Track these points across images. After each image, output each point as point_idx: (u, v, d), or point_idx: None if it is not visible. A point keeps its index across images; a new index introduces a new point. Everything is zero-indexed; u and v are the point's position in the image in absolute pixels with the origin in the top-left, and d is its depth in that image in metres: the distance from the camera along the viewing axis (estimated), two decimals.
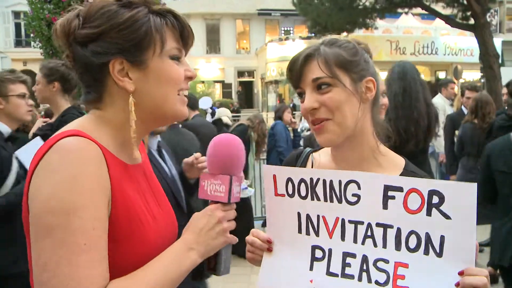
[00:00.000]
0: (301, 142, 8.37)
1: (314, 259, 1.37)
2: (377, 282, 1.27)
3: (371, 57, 1.52)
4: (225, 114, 7.68)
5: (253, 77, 35.50)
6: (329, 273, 1.34)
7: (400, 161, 1.52)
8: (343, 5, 17.69)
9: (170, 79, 1.24)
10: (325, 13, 18.14)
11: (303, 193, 1.40)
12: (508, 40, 31.28)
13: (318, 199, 1.37)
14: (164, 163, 2.79)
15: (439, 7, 16.97)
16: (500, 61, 15.24)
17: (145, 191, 1.31)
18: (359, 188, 1.32)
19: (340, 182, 1.34)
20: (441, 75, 29.53)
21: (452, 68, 22.50)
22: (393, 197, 1.27)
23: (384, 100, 2.87)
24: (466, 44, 28.62)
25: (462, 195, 1.18)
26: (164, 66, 1.24)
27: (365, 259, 1.29)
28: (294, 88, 1.48)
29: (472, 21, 15.47)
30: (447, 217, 1.20)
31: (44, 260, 1.05)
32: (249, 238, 1.51)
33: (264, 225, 7.12)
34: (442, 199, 1.20)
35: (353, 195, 1.32)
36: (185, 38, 1.29)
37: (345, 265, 1.32)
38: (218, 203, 1.31)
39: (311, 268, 1.37)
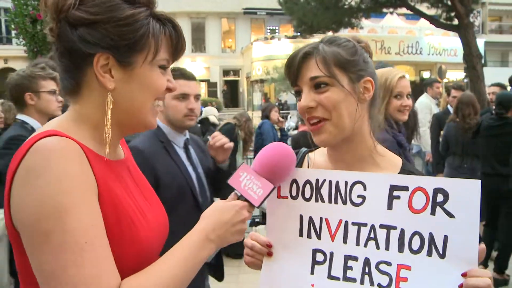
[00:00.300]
0: (289, 141, 8.37)
1: (315, 262, 1.35)
2: (379, 285, 1.25)
3: (371, 56, 1.50)
4: (212, 113, 7.61)
5: (239, 76, 35.46)
6: (330, 277, 1.31)
7: (397, 161, 1.50)
8: (329, 5, 17.74)
9: (152, 88, 1.20)
10: (311, 12, 18.18)
11: (307, 195, 1.38)
12: (490, 41, 31.75)
13: (323, 201, 1.35)
14: (188, 162, 2.70)
15: (423, 8, 17.10)
16: (482, 61, 15.41)
17: (131, 187, 1.27)
18: (365, 189, 1.30)
19: (346, 183, 1.33)
20: (426, 74, 29.84)
21: (436, 68, 22.73)
22: (398, 197, 1.25)
23: (409, 102, 2.92)
24: (450, 44, 28.96)
25: (466, 193, 1.17)
26: (151, 75, 1.19)
27: (367, 261, 1.27)
28: (291, 85, 1.45)
29: (456, 22, 15.62)
30: (451, 216, 1.19)
31: (49, 268, 1.01)
32: (248, 241, 1.47)
33: (251, 224, 7.10)
34: (446, 197, 1.19)
35: (359, 196, 1.31)
36: (178, 51, 1.25)
37: (346, 268, 1.30)
38: (246, 202, 1.27)
39: (312, 272, 1.34)
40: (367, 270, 1.27)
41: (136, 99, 1.19)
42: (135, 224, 1.17)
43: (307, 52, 1.39)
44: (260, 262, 1.45)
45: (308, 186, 1.38)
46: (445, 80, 15.18)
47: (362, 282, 1.27)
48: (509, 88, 7.55)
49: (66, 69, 1.19)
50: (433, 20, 16.77)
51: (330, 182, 1.35)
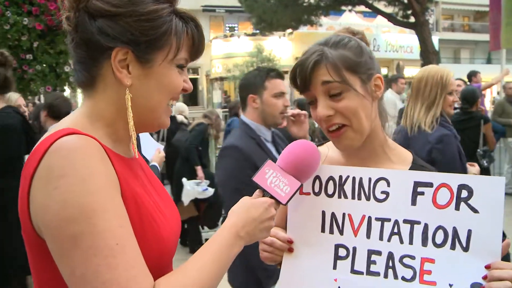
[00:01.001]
0: None
1: (337, 257, 1.34)
2: (403, 278, 1.26)
3: (368, 44, 1.49)
4: (180, 112, 7.48)
5: (198, 74, 35.17)
6: (353, 271, 1.32)
7: (408, 156, 1.51)
8: (288, 2, 17.90)
9: (170, 87, 1.16)
10: (271, 9, 18.30)
11: (330, 191, 1.37)
12: (444, 38, 32.85)
13: (346, 197, 1.35)
14: (278, 155, 2.76)
15: (381, 5, 17.49)
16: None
17: (147, 185, 1.24)
18: (388, 185, 1.31)
19: (370, 179, 1.33)
20: (383, 71, 30.51)
21: (393, 64, 23.29)
22: (422, 193, 1.27)
23: (456, 98, 3.18)
24: (406, 41, 29.73)
25: (490, 189, 1.20)
26: (170, 74, 1.15)
27: (391, 256, 1.28)
28: (301, 93, 1.43)
29: (412, 19, 16.06)
30: (475, 211, 1.21)
31: (80, 272, 0.95)
32: (267, 238, 1.44)
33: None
34: (471, 193, 1.22)
35: (382, 192, 1.32)
36: (198, 52, 1.21)
37: (370, 262, 1.30)
38: (273, 199, 1.24)
39: (334, 267, 1.34)
40: (390, 264, 1.28)
41: (152, 97, 1.15)
42: (156, 222, 1.13)
43: (317, 61, 1.35)
44: (279, 258, 1.44)
45: (331, 182, 1.37)
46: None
47: (386, 276, 1.28)
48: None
49: (81, 60, 1.13)
50: (390, 17, 17.20)
51: (354, 178, 1.35)
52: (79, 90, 6.52)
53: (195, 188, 5.81)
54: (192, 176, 5.95)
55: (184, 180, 5.81)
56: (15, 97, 3.93)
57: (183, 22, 1.15)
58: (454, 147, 3.03)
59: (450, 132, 3.04)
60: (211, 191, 5.87)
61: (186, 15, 1.17)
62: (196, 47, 1.20)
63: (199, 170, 6.03)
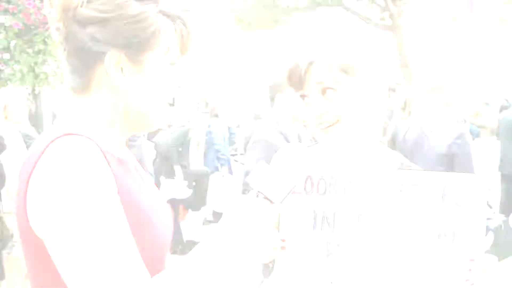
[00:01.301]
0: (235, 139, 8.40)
1: (329, 253, 1.38)
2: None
3: None
4: None
5: None
6: (345, 266, 1.36)
7: (396, 156, 1.57)
8: (266, 3, 17.94)
9: (163, 86, 1.18)
10: (249, 10, 18.31)
11: (321, 190, 1.41)
12: None
13: (337, 195, 1.38)
14: None
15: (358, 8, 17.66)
16: None
17: (141, 185, 1.24)
18: (378, 184, 1.36)
19: (360, 179, 1.37)
20: None
21: None
22: (411, 191, 1.32)
23: None
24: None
25: (474, 186, 1.27)
26: (162, 72, 1.17)
27: (382, 249, 1.33)
28: (295, 91, 1.46)
29: (389, 22, 16.28)
30: (459, 207, 1.28)
31: (79, 272, 0.98)
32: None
33: (204, 223, 7.04)
34: (456, 190, 1.28)
35: (372, 191, 1.36)
36: (188, 48, 1.22)
37: (361, 256, 1.34)
38: (267, 200, 1.26)
39: (326, 264, 1.38)
40: (382, 257, 1.33)
41: (147, 97, 1.16)
42: (152, 221, 1.15)
43: (311, 60, 1.39)
44: (272, 256, 1.46)
45: (322, 181, 1.40)
46: None
47: (377, 268, 1.33)
48: None
49: (74, 69, 1.14)
50: (367, 20, 17.37)
51: (345, 177, 1.38)
52: (57, 90, 6.42)
53: (172, 188, 5.81)
54: (170, 175, 5.96)
55: (162, 178, 5.81)
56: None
57: (171, 21, 1.17)
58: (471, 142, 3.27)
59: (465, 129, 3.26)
60: (188, 191, 5.87)
61: (172, 13, 1.18)
62: (186, 43, 1.21)
63: (178, 170, 6.04)
